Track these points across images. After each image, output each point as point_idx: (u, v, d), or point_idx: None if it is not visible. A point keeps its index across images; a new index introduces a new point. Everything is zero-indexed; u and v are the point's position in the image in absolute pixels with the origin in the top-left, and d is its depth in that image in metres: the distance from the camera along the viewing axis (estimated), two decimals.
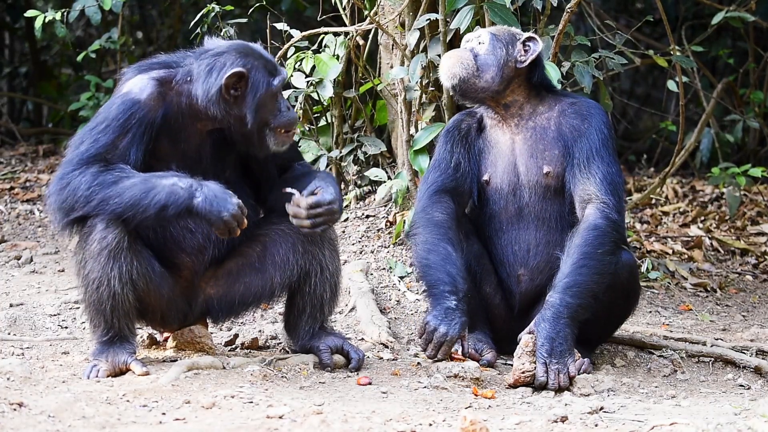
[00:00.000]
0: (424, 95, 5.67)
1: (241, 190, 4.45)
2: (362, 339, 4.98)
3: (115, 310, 4.21)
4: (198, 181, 4.16)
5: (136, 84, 4.27)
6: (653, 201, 7.42)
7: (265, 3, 6.01)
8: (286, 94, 5.77)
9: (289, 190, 4.32)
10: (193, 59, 4.32)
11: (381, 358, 4.72)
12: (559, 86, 5.00)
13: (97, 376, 4.18)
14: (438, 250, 4.59)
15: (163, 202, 4.10)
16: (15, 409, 3.65)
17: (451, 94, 4.76)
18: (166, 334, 4.65)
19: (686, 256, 6.36)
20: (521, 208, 4.71)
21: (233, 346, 4.83)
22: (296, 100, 5.95)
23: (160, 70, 4.34)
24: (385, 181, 5.83)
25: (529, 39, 4.70)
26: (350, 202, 6.12)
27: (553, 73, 5.02)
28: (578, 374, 4.45)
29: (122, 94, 4.27)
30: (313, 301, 4.54)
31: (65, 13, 6.34)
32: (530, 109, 4.72)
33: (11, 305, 5.19)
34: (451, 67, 4.69)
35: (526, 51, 4.69)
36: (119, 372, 4.22)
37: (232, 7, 6.12)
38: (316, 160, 6.04)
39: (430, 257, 4.60)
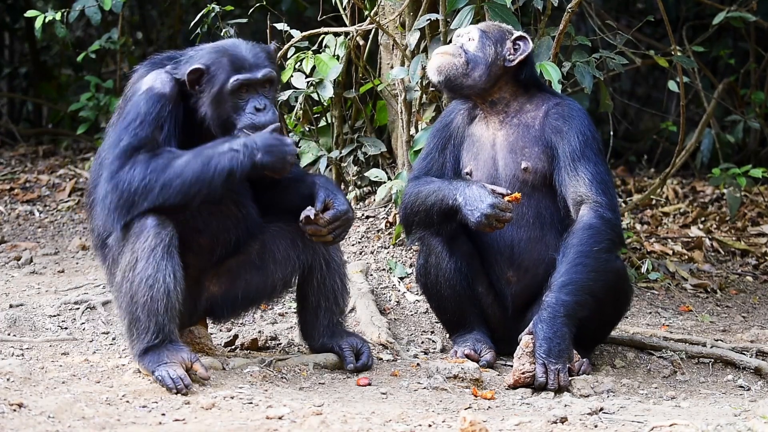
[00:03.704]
0: (424, 96, 5.67)
1: (244, 188, 4.45)
2: None
3: (168, 309, 4.09)
4: (246, 138, 4.12)
5: (156, 79, 4.24)
6: (653, 202, 7.41)
7: (265, 3, 6.01)
8: (285, 94, 5.77)
9: (305, 212, 4.28)
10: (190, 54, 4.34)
11: (381, 359, 4.72)
12: (559, 86, 5.00)
13: (180, 378, 4.00)
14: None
15: (228, 167, 4.07)
16: (15, 410, 3.65)
17: (438, 89, 4.79)
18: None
19: (686, 257, 6.35)
20: None
21: (233, 347, 4.83)
22: (296, 101, 5.95)
23: (171, 65, 4.32)
24: (385, 182, 5.83)
25: (520, 38, 4.72)
26: (350, 203, 6.12)
27: (553, 73, 5.02)
28: (578, 375, 4.45)
29: (145, 90, 4.22)
30: (326, 294, 4.54)
31: (65, 14, 6.33)
32: (517, 107, 4.74)
33: (11, 306, 5.19)
34: (439, 64, 4.72)
35: (515, 50, 4.71)
36: (187, 368, 4.07)
37: (232, 8, 6.11)
38: (316, 161, 6.03)
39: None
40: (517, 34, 4.74)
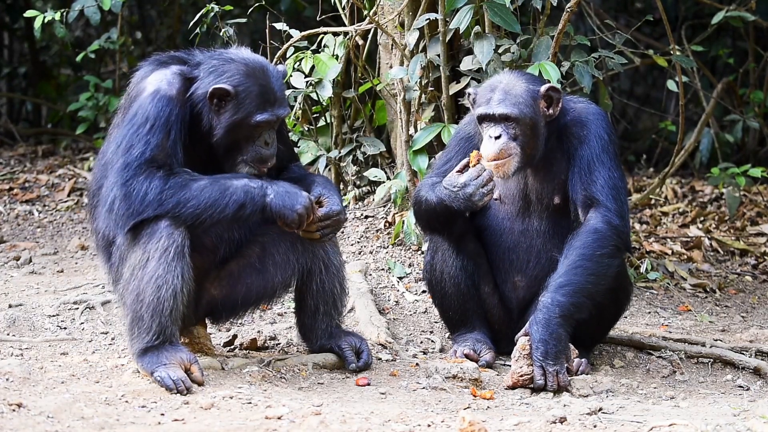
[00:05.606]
0: (423, 95, 5.66)
1: None
2: None
3: (173, 312, 4.10)
4: (266, 180, 4.17)
5: (161, 79, 4.21)
6: (653, 201, 7.41)
7: (264, 3, 6.01)
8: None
9: None
10: (205, 58, 4.29)
11: (380, 358, 4.72)
12: (558, 87, 4.98)
13: (181, 380, 4.01)
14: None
15: (241, 201, 4.11)
16: (14, 410, 3.65)
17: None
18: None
19: (685, 257, 6.35)
20: (527, 228, 4.71)
21: (232, 347, 4.83)
22: (295, 100, 5.94)
23: (177, 65, 4.29)
24: (384, 182, 5.83)
25: (550, 90, 4.60)
26: (349, 203, 6.12)
27: (552, 73, 5.01)
28: (576, 375, 4.45)
29: (152, 91, 4.18)
30: (325, 299, 4.54)
31: (64, 14, 6.34)
32: (544, 132, 4.65)
33: (10, 306, 5.19)
34: (504, 171, 4.55)
35: (549, 103, 4.60)
36: (186, 369, 4.08)
37: (232, 7, 6.11)
38: (315, 161, 6.04)
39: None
40: (545, 87, 4.61)
